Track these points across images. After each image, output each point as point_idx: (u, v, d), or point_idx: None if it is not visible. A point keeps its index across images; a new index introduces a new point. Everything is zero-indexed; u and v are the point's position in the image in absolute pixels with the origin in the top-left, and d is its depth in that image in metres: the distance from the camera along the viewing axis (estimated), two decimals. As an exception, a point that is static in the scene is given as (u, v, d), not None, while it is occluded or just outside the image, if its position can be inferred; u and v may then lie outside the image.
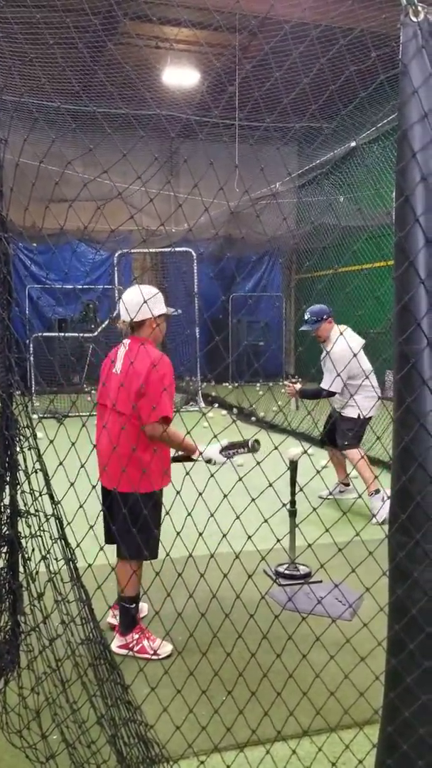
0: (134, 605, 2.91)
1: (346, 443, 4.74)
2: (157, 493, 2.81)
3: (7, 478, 2.22)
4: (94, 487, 1.91)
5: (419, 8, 1.51)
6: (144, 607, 3.17)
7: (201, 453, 2.88)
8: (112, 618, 3.13)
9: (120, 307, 2.96)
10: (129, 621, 2.92)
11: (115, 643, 2.91)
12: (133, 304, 2.80)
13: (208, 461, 2.86)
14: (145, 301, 2.71)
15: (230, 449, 2.86)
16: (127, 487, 2.62)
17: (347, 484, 5.20)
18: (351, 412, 4.78)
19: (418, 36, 1.52)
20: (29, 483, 2.12)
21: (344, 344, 4.64)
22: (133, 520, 2.40)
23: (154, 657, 2.83)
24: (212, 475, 1.89)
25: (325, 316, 4.92)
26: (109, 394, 2.89)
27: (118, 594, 2.94)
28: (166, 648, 2.92)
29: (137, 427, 2.72)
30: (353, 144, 8.91)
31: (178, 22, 8.05)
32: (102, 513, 2.86)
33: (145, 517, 2.48)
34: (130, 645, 2.89)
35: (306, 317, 4.97)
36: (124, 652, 2.87)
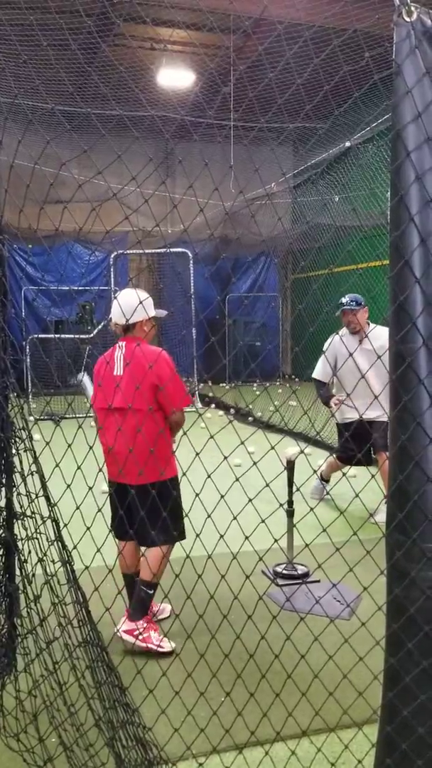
0: (153, 592, 2.92)
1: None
2: (176, 478, 2.95)
3: (3, 481, 2.22)
4: (90, 488, 1.91)
5: (412, 8, 1.51)
6: (166, 609, 3.15)
7: None
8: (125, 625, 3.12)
9: (113, 309, 3.05)
10: (142, 607, 2.92)
11: (122, 627, 2.88)
12: (128, 306, 2.85)
13: None
14: (141, 302, 2.77)
15: None
16: (153, 477, 2.74)
17: (328, 480, 5.16)
18: (384, 416, 4.47)
19: (411, 36, 1.52)
20: (25, 485, 2.12)
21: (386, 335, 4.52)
22: (164, 506, 2.45)
23: (157, 649, 2.85)
24: (209, 476, 1.89)
25: (363, 303, 4.77)
26: (117, 399, 2.91)
27: (140, 579, 2.96)
28: (168, 644, 2.92)
29: (156, 421, 2.86)
30: (348, 144, 8.93)
31: (172, 23, 8.05)
32: (114, 510, 2.94)
33: (174, 499, 2.68)
34: (136, 632, 2.88)
35: (344, 300, 4.76)
36: (128, 638, 2.86)
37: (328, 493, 5.05)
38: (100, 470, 1.86)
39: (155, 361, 2.82)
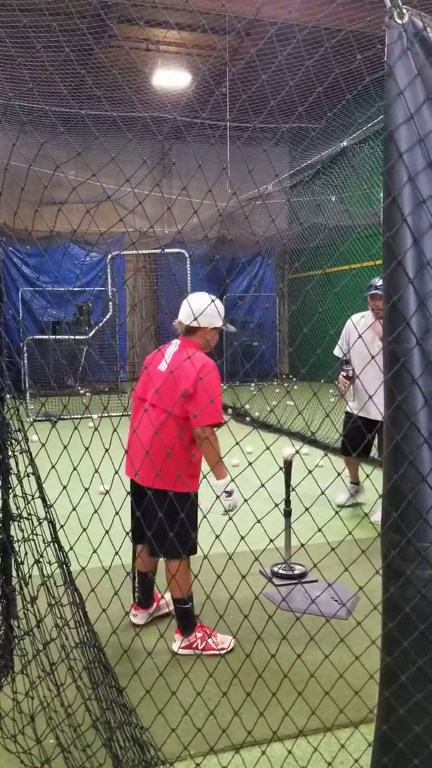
0: (189, 605, 2.87)
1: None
2: (192, 495, 2.79)
3: None
4: (86, 489, 1.91)
5: (404, 10, 1.52)
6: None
7: (227, 490, 2.87)
8: (133, 617, 3.16)
9: (183, 307, 3.00)
10: (188, 620, 2.88)
11: (177, 645, 2.86)
12: (197, 310, 2.85)
13: (227, 495, 2.88)
14: (213, 305, 2.78)
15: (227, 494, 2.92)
16: (161, 485, 2.62)
17: (358, 483, 5.10)
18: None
19: (403, 38, 1.53)
20: (21, 487, 2.12)
21: None
22: (168, 519, 2.43)
23: (221, 652, 2.81)
24: (205, 476, 1.89)
25: None
26: (151, 390, 2.88)
27: (172, 597, 2.91)
28: (230, 641, 2.90)
29: (178, 427, 2.75)
30: (344, 144, 8.95)
31: (168, 24, 8.05)
32: (133, 512, 2.87)
33: (180, 515, 2.47)
34: (194, 645, 2.87)
35: (378, 283, 4.63)
36: (188, 652, 2.83)
37: (351, 497, 4.98)
38: (96, 471, 1.87)
39: (201, 368, 2.73)
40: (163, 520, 2.24)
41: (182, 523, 2.48)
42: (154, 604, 3.24)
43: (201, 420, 2.69)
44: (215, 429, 2.77)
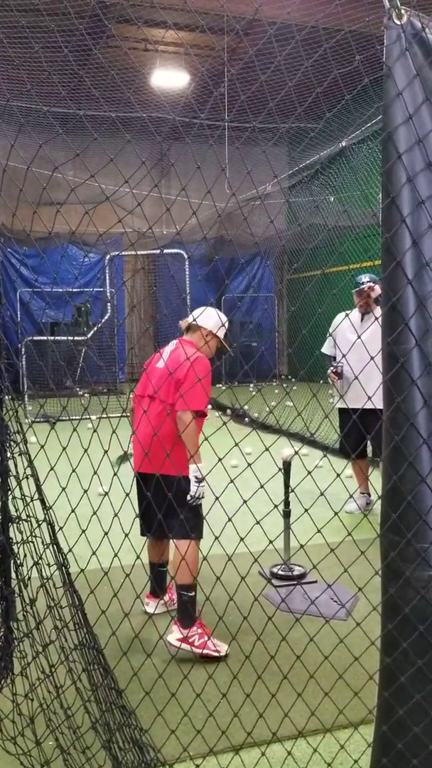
0: (193, 593, 2.85)
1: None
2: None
3: (-2, 484, 2.21)
4: (86, 491, 1.91)
5: (402, 11, 1.52)
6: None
7: (197, 476, 2.86)
8: (147, 606, 3.22)
9: (196, 311, 3.17)
10: (189, 612, 2.84)
11: (173, 636, 2.83)
12: (206, 313, 3.10)
13: (197, 480, 2.86)
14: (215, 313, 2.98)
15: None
16: (169, 470, 2.65)
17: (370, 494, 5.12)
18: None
19: (401, 39, 1.53)
20: (20, 488, 2.11)
21: None
22: (177, 501, 2.48)
23: (215, 654, 2.80)
24: (203, 478, 1.89)
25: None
26: (149, 386, 3.00)
27: (176, 584, 2.92)
28: (224, 647, 2.87)
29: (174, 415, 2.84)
30: (343, 144, 8.95)
31: (166, 24, 8.05)
32: (141, 505, 2.90)
33: (185, 496, 2.62)
34: (190, 639, 2.83)
35: (364, 279, 4.76)
36: (182, 645, 2.79)
37: (359, 508, 5.01)
38: (95, 473, 1.86)
39: (193, 359, 2.82)
40: (173, 501, 2.27)
41: (189, 505, 2.63)
42: (168, 595, 3.29)
43: (181, 405, 2.79)
44: (199, 418, 2.84)
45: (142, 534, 3.01)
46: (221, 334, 3.13)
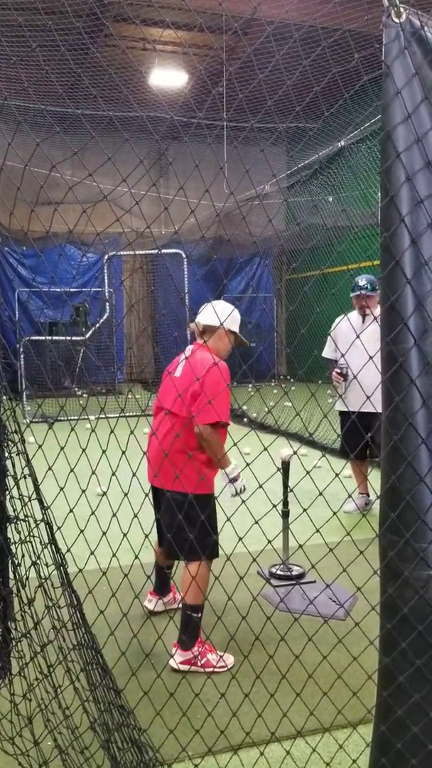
0: (199, 615, 2.78)
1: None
2: (209, 496, 2.78)
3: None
4: (84, 491, 1.90)
5: (401, 9, 1.51)
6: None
7: (229, 476, 2.86)
8: (148, 602, 3.23)
9: (203, 309, 2.99)
10: (191, 633, 2.78)
11: (177, 660, 2.76)
12: (217, 310, 2.88)
13: (232, 480, 2.87)
14: (230, 314, 2.82)
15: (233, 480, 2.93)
16: (178, 487, 2.62)
17: (367, 494, 5.12)
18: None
19: (400, 37, 1.53)
20: (18, 488, 2.11)
21: None
22: (187, 521, 2.47)
23: (221, 670, 2.72)
24: (202, 477, 1.89)
25: (378, 287, 4.69)
26: (166, 397, 2.91)
27: (182, 602, 2.83)
28: (230, 659, 2.82)
29: (188, 429, 2.74)
30: (342, 144, 8.95)
31: (164, 23, 8.05)
32: (157, 518, 2.87)
33: (202, 517, 2.47)
34: (193, 660, 2.76)
35: (361, 283, 4.73)
36: (186, 668, 2.71)
37: (368, 504, 5.04)
38: (93, 472, 1.86)
39: (205, 368, 2.71)
40: (182, 522, 2.26)
41: (201, 525, 2.48)
42: (170, 594, 3.29)
43: (199, 419, 2.68)
44: (221, 427, 2.74)
45: (161, 544, 3.00)
46: (236, 327, 2.98)
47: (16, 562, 2.16)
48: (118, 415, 2.09)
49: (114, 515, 1.81)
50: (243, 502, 1.94)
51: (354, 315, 4.86)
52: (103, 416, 1.84)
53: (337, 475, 1.93)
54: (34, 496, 2.05)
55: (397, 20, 1.53)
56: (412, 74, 1.54)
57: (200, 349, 2.91)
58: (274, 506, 2.02)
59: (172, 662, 2.76)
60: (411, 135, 1.54)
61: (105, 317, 11.68)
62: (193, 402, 2.74)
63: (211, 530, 2.62)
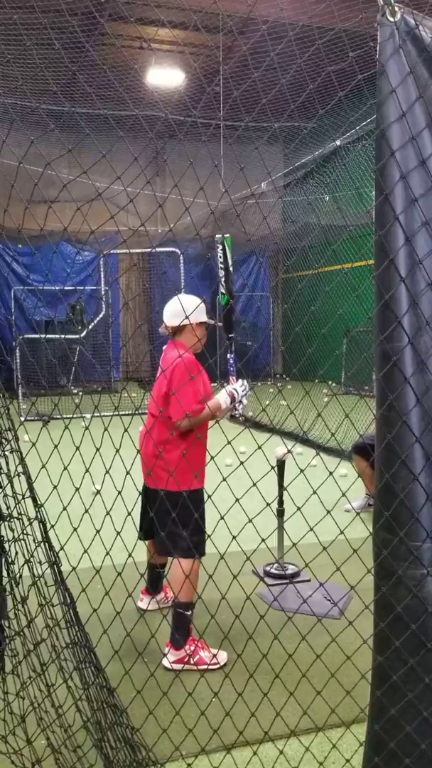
0: (190, 612, 2.78)
1: None
2: (190, 493, 2.75)
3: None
4: (77, 489, 1.90)
5: (396, 8, 1.51)
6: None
7: (228, 402, 2.91)
8: (140, 602, 3.25)
9: (165, 310, 3.01)
10: (183, 631, 2.78)
11: (169, 659, 2.74)
12: (176, 309, 2.89)
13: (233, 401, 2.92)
14: (195, 309, 2.76)
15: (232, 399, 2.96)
16: (162, 484, 2.68)
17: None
18: None
19: (395, 36, 1.53)
20: (12, 486, 2.10)
21: None
22: (174, 517, 2.46)
23: (214, 667, 2.72)
24: (196, 476, 1.88)
25: None
26: (151, 402, 2.97)
27: (173, 601, 2.84)
28: (223, 656, 2.81)
29: (167, 428, 2.77)
30: (338, 143, 8.95)
31: (162, 22, 8.03)
32: (143, 511, 2.96)
33: (188, 513, 2.45)
34: (186, 659, 2.76)
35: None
36: (179, 667, 2.68)
37: (370, 505, 5.07)
38: (87, 471, 1.85)
39: (170, 366, 2.75)
40: (174, 519, 2.27)
41: (184, 522, 2.51)
42: (161, 594, 3.30)
43: (174, 417, 2.73)
44: (195, 412, 2.75)
45: (140, 539, 2.98)
46: (204, 316, 2.96)
47: (10, 560, 2.16)
48: (112, 413, 2.08)
49: (108, 513, 1.80)
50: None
51: None
52: (98, 414, 1.83)
53: (331, 473, 1.93)
54: (27, 494, 2.05)
55: (391, 19, 1.53)
56: (406, 73, 1.54)
57: (170, 348, 2.94)
58: (268, 505, 2.01)
59: (165, 662, 2.76)
60: (405, 133, 1.54)
61: (101, 316, 11.66)
62: (164, 402, 2.79)
63: (198, 527, 2.63)
